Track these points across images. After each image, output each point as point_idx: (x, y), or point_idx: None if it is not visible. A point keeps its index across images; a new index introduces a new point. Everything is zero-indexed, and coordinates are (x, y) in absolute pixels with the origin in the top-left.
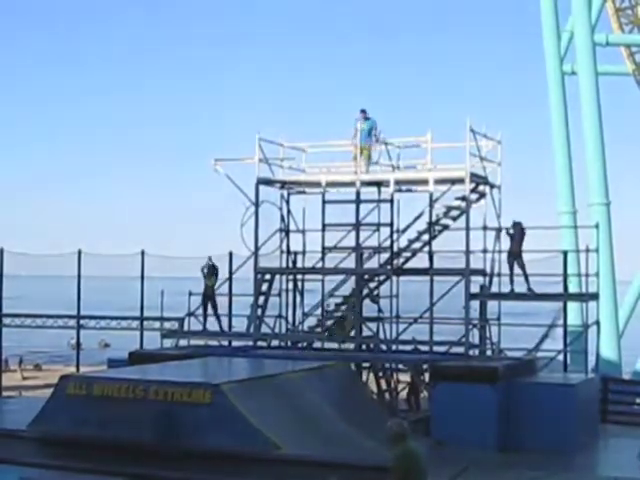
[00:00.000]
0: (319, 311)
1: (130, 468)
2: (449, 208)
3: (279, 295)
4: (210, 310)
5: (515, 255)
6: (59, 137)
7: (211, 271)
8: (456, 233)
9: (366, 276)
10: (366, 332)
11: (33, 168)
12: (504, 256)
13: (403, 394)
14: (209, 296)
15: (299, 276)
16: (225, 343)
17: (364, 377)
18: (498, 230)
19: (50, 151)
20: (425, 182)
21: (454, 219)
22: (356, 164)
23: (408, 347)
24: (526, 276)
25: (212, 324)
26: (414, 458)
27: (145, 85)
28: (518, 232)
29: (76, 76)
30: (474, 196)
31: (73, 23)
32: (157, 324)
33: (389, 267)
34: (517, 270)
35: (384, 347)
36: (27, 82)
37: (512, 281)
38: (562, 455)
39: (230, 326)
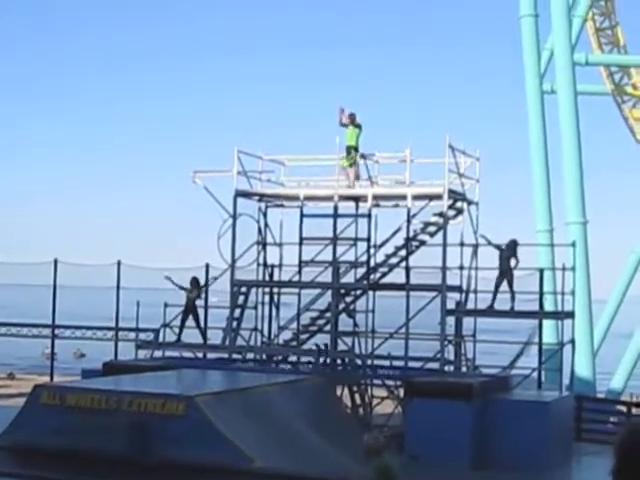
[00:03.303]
0: (295, 325)
1: (103, 479)
2: (426, 224)
3: (255, 308)
4: (192, 323)
5: (504, 273)
6: (37, 150)
7: (193, 284)
8: (433, 249)
9: (342, 290)
10: (341, 346)
11: (12, 181)
12: (480, 273)
13: (377, 409)
14: (190, 309)
15: (275, 289)
16: (200, 355)
17: (339, 391)
18: (475, 246)
19: (28, 164)
20: (403, 198)
21: (431, 235)
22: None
23: (384, 362)
24: (512, 295)
25: (188, 336)
26: (389, 473)
27: (125, 97)
28: (508, 249)
29: (57, 90)
30: (452, 212)
31: (61, 34)
32: (132, 335)
33: (365, 282)
34: (502, 287)
35: (359, 362)
36: (9, 96)
37: (494, 298)
38: (536, 473)
39: (205, 338)
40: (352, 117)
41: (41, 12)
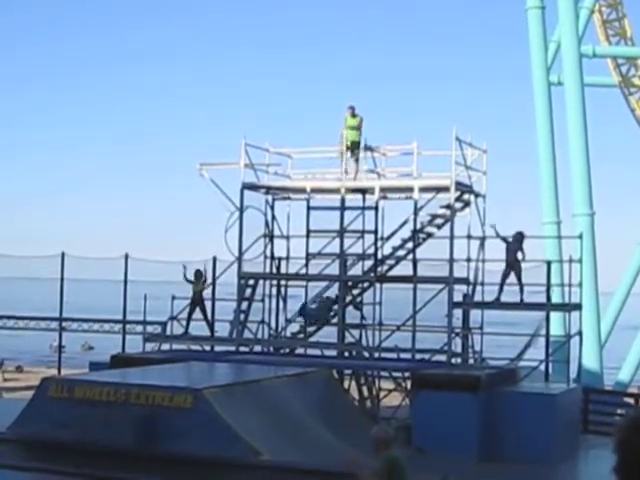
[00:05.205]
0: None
1: (110, 472)
2: (434, 216)
3: (262, 301)
4: (200, 315)
5: (511, 265)
6: (43, 144)
7: (198, 277)
8: (440, 241)
9: (350, 283)
10: (349, 339)
11: (19, 175)
12: (488, 265)
13: (385, 401)
14: (197, 302)
15: (283, 282)
16: (207, 348)
17: (346, 384)
18: (482, 239)
19: (34, 158)
20: (410, 190)
21: (438, 227)
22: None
23: (391, 354)
24: (521, 287)
25: (196, 329)
26: (397, 465)
27: (131, 90)
28: (515, 242)
29: (60, 86)
30: (459, 205)
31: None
32: (140, 328)
33: (373, 274)
34: (509, 280)
35: (366, 354)
36: (13, 91)
37: (501, 290)
38: (543, 465)
39: (213, 331)
40: (353, 109)
41: (40, 11)
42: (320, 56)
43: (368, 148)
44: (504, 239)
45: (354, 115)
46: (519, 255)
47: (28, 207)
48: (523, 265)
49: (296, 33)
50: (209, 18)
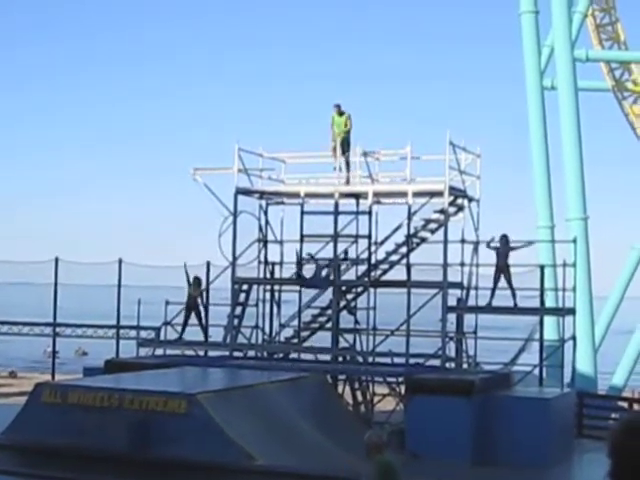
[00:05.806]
0: (296, 322)
1: (104, 477)
2: (427, 221)
3: (256, 305)
4: (195, 320)
5: (502, 269)
6: (36, 149)
7: (195, 282)
8: (434, 246)
9: (343, 288)
10: (343, 344)
11: (12, 179)
12: (482, 270)
13: (379, 406)
14: (192, 306)
15: (276, 287)
16: (201, 353)
17: (340, 389)
18: (476, 243)
19: (28, 162)
20: (404, 194)
21: (432, 232)
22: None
23: (385, 359)
24: (513, 291)
25: (190, 334)
26: (391, 470)
27: (124, 94)
28: (503, 246)
29: (60, 86)
30: (452, 209)
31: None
32: (134, 333)
33: (367, 279)
34: (501, 284)
35: (360, 359)
36: (10, 94)
37: (492, 295)
38: (537, 469)
39: (207, 336)
40: (339, 107)
41: (40, 11)
42: (316, 56)
43: (362, 153)
44: (494, 248)
45: (341, 113)
46: (509, 259)
47: (28, 207)
48: (518, 269)
49: (295, 33)
50: (209, 18)
